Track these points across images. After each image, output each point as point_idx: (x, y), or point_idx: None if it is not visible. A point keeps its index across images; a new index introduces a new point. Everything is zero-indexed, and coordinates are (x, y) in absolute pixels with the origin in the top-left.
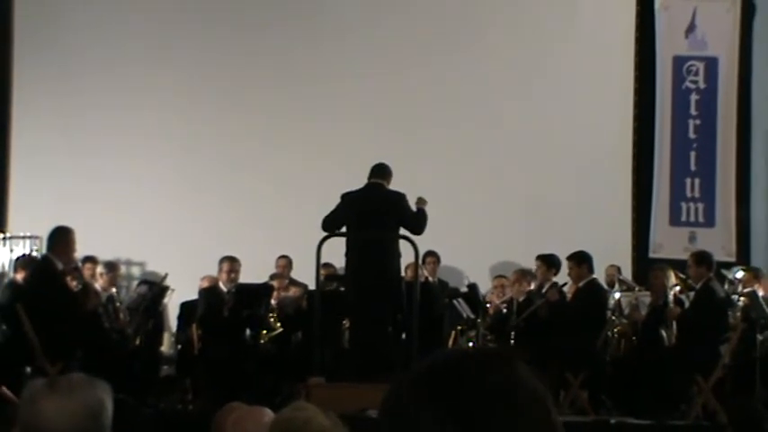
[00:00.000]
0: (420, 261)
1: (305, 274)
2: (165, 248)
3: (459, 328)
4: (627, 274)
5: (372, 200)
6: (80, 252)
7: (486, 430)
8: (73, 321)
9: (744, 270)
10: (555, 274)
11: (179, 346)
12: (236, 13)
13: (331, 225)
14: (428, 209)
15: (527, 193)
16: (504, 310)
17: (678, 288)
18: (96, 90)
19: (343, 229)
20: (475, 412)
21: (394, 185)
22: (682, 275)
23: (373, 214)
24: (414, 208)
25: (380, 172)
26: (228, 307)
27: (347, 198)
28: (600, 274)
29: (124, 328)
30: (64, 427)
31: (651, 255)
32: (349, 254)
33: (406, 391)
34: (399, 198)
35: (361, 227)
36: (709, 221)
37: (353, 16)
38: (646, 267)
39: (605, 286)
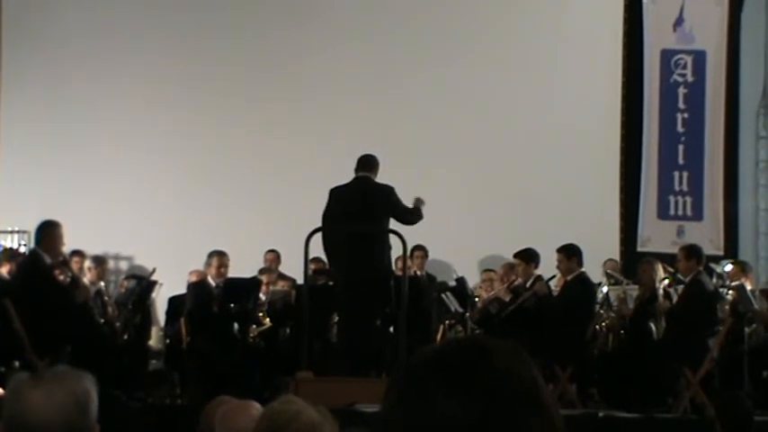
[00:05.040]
0: (408, 255)
1: (294, 268)
2: (154, 243)
3: (447, 321)
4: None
5: (361, 194)
6: (68, 246)
7: (507, 414)
8: (63, 315)
9: (732, 263)
10: (536, 267)
11: (167, 341)
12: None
13: (328, 225)
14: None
15: (515, 186)
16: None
17: (666, 282)
18: (84, 84)
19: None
20: (497, 396)
21: (383, 180)
22: (670, 269)
23: (361, 208)
24: (403, 201)
25: (367, 164)
26: (217, 302)
27: (335, 192)
28: (595, 269)
29: (113, 322)
30: (50, 419)
31: (639, 248)
32: (337, 249)
33: (422, 376)
34: (389, 192)
35: (350, 221)
36: (698, 215)
37: (345, 11)
38: (634, 261)
39: (606, 280)
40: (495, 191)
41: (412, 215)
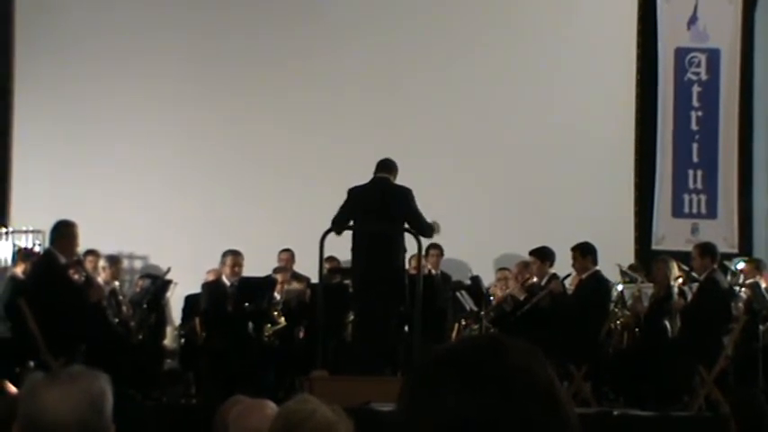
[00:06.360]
0: (423, 254)
1: (308, 267)
2: (168, 242)
3: (462, 320)
4: None
5: (379, 194)
6: (82, 246)
7: (522, 412)
8: (77, 315)
9: (745, 261)
10: (551, 266)
11: (182, 340)
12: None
13: (340, 222)
14: (433, 202)
15: (530, 185)
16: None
17: (681, 280)
18: (97, 82)
19: (350, 224)
20: (511, 395)
21: (399, 179)
22: (684, 267)
23: (379, 208)
24: (419, 205)
25: (386, 167)
26: (232, 301)
27: (353, 192)
28: (610, 267)
29: (127, 321)
30: (66, 418)
31: (654, 246)
32: (355, 248)
33: (436, 374)
34: (406, 193)
35: (367, 221)
36: (712, 213)
37: (354, 10)
38: (648, 259)
39: (620, 278)
40: (510, 189)
41: (424, 226)
